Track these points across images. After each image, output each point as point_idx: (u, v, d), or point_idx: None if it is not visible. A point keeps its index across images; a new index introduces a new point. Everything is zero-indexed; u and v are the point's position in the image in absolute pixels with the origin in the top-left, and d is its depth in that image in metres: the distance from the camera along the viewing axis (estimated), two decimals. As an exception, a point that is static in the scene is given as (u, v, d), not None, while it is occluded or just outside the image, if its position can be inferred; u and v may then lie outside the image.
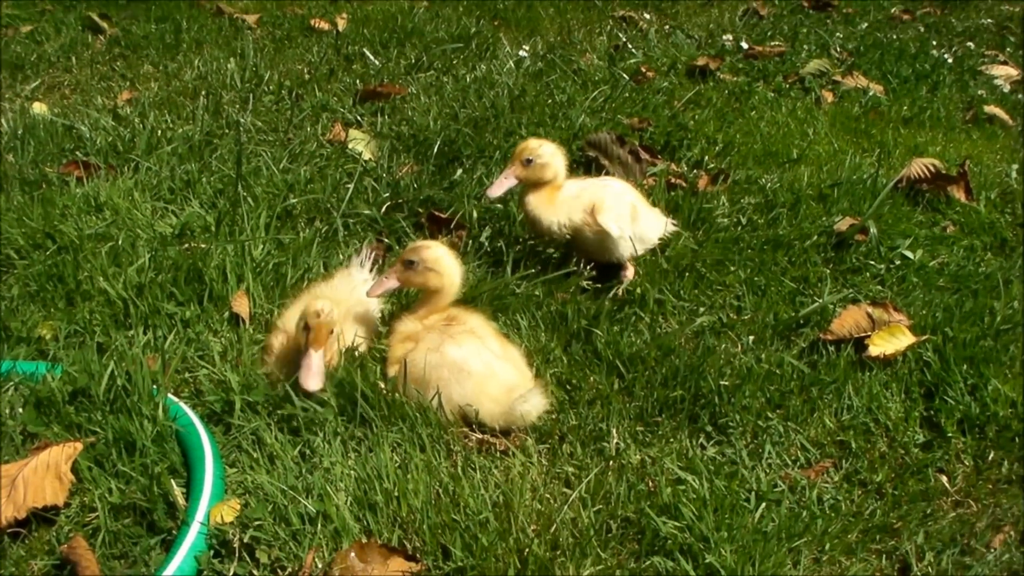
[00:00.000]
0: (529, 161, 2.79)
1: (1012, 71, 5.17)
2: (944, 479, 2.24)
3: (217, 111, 4.14)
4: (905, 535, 2.06)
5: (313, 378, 2.25)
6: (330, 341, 2.31)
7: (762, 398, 2.40)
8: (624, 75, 4.51)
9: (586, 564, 1.92)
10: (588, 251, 2.85)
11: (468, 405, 2.25)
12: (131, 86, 4.62)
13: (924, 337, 2.59)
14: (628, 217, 2.81)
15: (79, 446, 2.14)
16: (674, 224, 3.02)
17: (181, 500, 2.06)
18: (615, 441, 2.26)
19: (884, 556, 2.02)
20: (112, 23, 5.57)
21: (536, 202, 2.84)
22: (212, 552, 1.95)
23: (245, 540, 1.95)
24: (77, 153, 3.71)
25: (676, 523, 2.02)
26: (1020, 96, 4.82)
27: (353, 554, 1.90)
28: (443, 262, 2.41)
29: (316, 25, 5.49)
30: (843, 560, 2.00)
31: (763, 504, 2.08)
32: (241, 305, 2.71)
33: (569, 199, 2.84)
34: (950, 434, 2.35)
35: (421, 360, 2.27)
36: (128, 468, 2.13)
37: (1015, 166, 3.84)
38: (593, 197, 2.81)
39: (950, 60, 5.16)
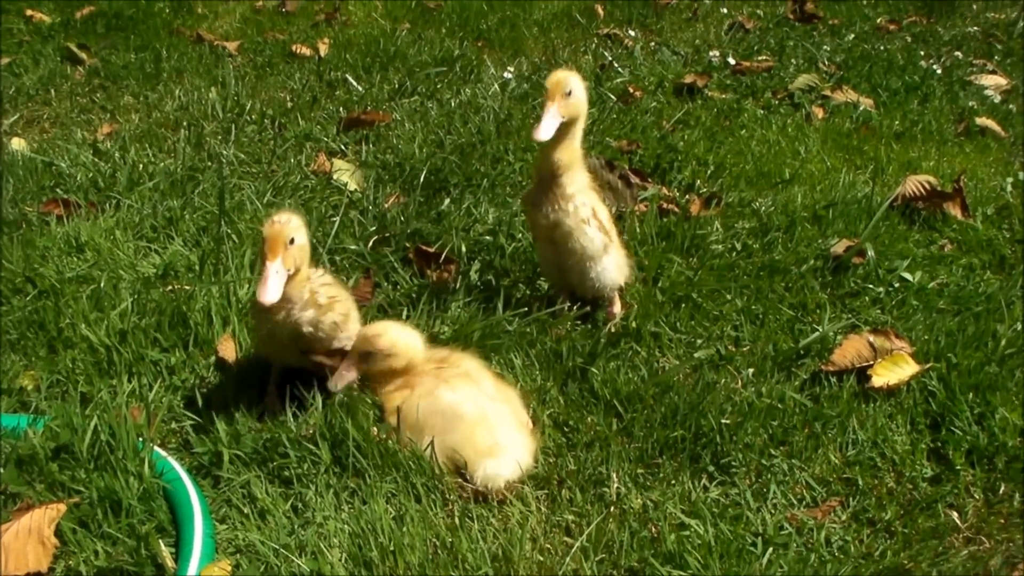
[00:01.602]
0: (569, 93, 2.50)
1: (1001, 80, 5.14)
2: (955, 515, 2.18)
3: (199, 143, 4.07)
4: (918, 577, 2.00)
5: (268, 290, 2.13)
6: (291, 252, 2.20)
7: (765, 435, 2.33)
8: (611, 96, 4.46)
9: (591, 620, 1.86)
10: (565, 274, 2.73)
11: (455, 453, 2.18)
12: (111, 118, 4.55)
13: (928, 365, 2.54)
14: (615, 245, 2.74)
15: (62, 508, 2.07)
16: (631, 269, 2.87)
17: (170, 562, 1.98)
18: (615, 485, 2.19)
19: (897, 600, 1.97)
20: (91, 53, 5.50)
21: (563, 149, 2.59)
22: (203, 619, 1.89)
23: (236, 605, 1.89)
24: (57, 191, 3.63)
25: (681, 572, 1.95)
26: (1011, 106, 4.79)
27: (349, 617, 1.83)
28: (399, 343, 2.30)
29: (298, 51, 5.43)
30: (855, 607, 1.94)
31: (770, 549, 2.02)
32: (227, 349, 2.64)
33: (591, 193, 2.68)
34: (958, 466, 2.29)
35: (416, 406, 2.21)
36: (114, 529, 2.05)
37: (1009, 179, 3.80)
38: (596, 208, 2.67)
39: (939, 71, 5.12)
